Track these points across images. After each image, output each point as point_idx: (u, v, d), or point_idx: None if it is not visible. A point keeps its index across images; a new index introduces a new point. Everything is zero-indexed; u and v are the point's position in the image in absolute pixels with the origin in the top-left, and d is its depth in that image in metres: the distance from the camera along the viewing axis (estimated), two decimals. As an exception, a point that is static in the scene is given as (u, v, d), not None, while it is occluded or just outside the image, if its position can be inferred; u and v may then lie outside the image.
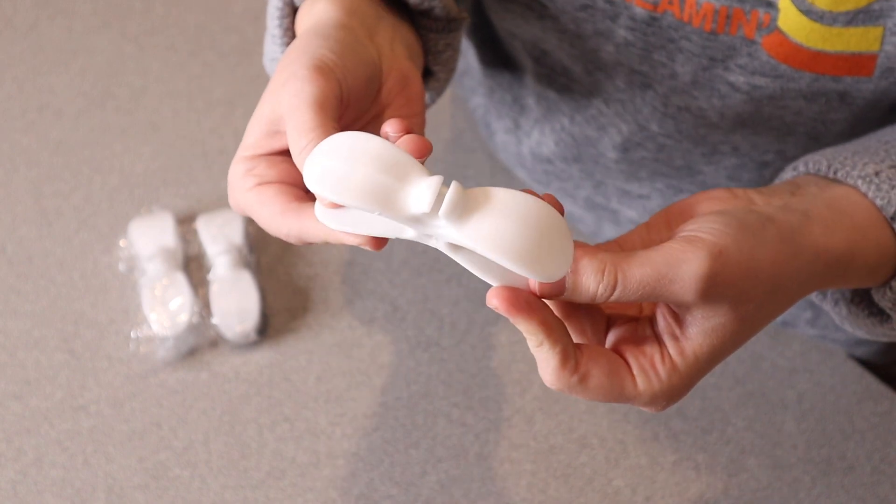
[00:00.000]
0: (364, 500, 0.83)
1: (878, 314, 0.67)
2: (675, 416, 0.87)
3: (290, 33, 0.69)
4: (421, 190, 0.52)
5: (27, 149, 1.04)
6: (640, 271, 0.55)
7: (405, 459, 0.84)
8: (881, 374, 0.92)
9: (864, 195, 0.64)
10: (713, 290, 0.55)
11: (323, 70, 0.60)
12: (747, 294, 0.57)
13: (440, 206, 0.51)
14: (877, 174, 0.65)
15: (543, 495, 0.83)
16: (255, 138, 0.63)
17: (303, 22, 0.67)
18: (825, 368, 0.90)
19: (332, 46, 0.62)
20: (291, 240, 0.60)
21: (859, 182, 0.65)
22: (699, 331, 0.57)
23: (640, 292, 0.55)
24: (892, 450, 0.85)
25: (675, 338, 0.57)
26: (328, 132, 0.57)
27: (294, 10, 0.69)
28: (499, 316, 0.91)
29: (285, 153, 0.62)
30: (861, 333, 0.69)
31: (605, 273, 0.55)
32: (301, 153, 0.58)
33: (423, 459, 0.84)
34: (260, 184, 0.62)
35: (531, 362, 0.89)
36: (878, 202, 0.64)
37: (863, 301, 0.67)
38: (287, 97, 0.60)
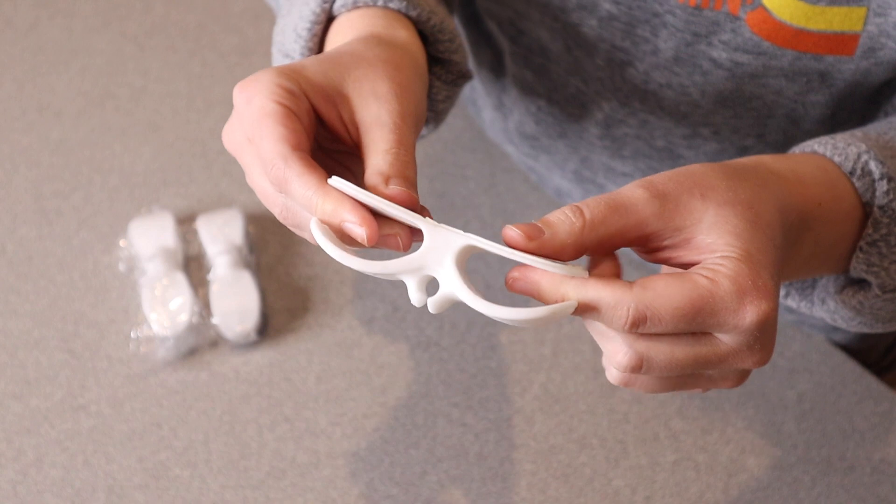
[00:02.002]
0: (364, 500, 0.83)
1: (864, 289, 0.67)
2: (675, 416, 0.87)
3: (317, 39, 0.69)
4: (411, 289, 0.57)
5: (27, 149, 1.04)
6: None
7: (405, 459, 0.84)
8: (861, 359, 0.92)
9: (823, 155, 0.66)
10: (654, 185, 0.56)
11: (408, 90, 0.61)
12: (699, 182, 0.57)
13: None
14: (832, 137, 0.66)
15: (543, 495, 0.83)
16: (316, 76, 0.60)
17: (356, 29, 0.67)
18: (825, 368, 0.90)
19: (421, 90, 0.63)
20: (273, 176, 0.57)
21: (815, 146, 0.66)
22: (698, 231, 0.56)
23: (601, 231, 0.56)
24: (892, 450, 0.85)
25: (693, 248, 0.57)
26: (410, 148, 0.59)
27: (329, 19, 0.69)
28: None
29: (321, 119, 0.60)
30: (854, 326, 0.69)
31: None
32: (391, 153, 0.58)
33: (423, 459, 0.84)
34: (289, 111, 0.59)
35: (531, 362, 0.89)
36: (836, 159, 0.65)
37: (846, 286, 0.67)
38: (378, 103, 0.60)
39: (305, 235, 0.62)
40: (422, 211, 0.58)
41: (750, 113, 0.80)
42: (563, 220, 0.56)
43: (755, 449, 0.85)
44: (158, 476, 0.83)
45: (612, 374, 0.57)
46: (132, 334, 0.89)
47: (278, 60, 0.72)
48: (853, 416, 0.87)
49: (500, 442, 0.85)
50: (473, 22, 0.92)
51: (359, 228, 0.56)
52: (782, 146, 0.83)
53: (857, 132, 0.68)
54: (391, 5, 0.68)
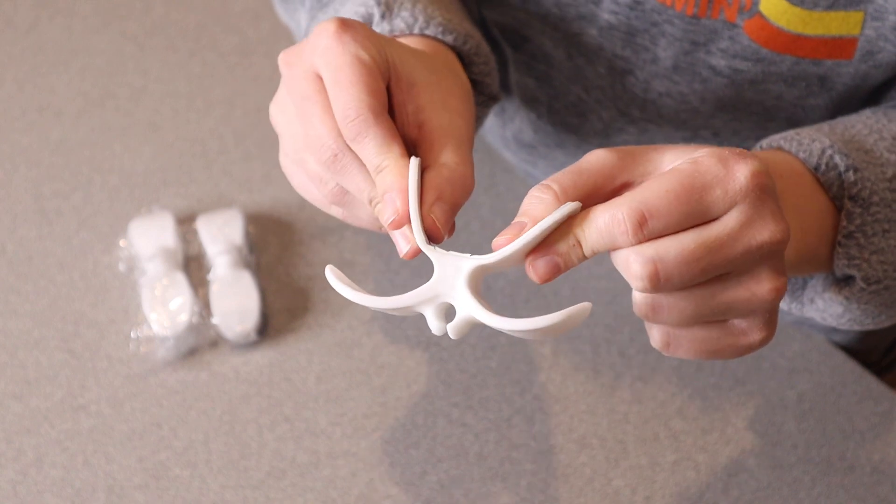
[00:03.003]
0: (364, 500, 0.83)
1: (850, 284, 0.67)
2: (675, 416, 0.87)
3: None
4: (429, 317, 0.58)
5: (27, 149, 1.04)
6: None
7: (405, 459, 0.84)
8: (861, 359, 0.92)
9: (788, 152, 0.66)
10: (625, 153, 0.57)
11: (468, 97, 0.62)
12: (662, 146, 0.57)
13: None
14: (797, 133, 0.66)
15: (543, 495, 0.83)
16: (412, 61, 0.60)
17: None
18: (825, 368, 0.90)
19: (470, 100, 0.64)
20: (353, 126, 0.57)
21: (781, 142, 0.66)
22: (663, 164, 0.57)
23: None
24: (892, 450, 0.85)
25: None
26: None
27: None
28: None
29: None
30: (844, 323, 0.69)
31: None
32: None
33: (423, 459, 0.84)
34: (381, 73, 0.58)
35: (531, 362, 0.89)
36: (801, 155, 0.65)
37: (832, 284, 0.67)
38: (451, 116, 0.61)
39: (335, 212, 0.62)
40: (436, 233, 0.59)
41: (750, 117, 0.81)
42: (535, 202, 0.56)
43: (755, 449, 0.85)
44: (158, 476, 0.83)
45: (636, 301, 0.56)
46: (132, 334, 0.89)
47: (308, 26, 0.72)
48: (853, 416, 0.87)
49: (500, 442, 0.85)
50: (479, 27, 0.92)
51: (391, 210, 0.57)
52: None
53: (824, 126, 0.68)
54: (427, 32, 0.67)
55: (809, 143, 0.66)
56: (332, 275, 0.59)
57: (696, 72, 0.77)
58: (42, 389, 0.87)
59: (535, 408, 0.87)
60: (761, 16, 0.72)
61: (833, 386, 0.89)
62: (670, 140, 0.84)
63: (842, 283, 0.67)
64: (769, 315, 0.57)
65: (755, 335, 0.57)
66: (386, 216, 0.57)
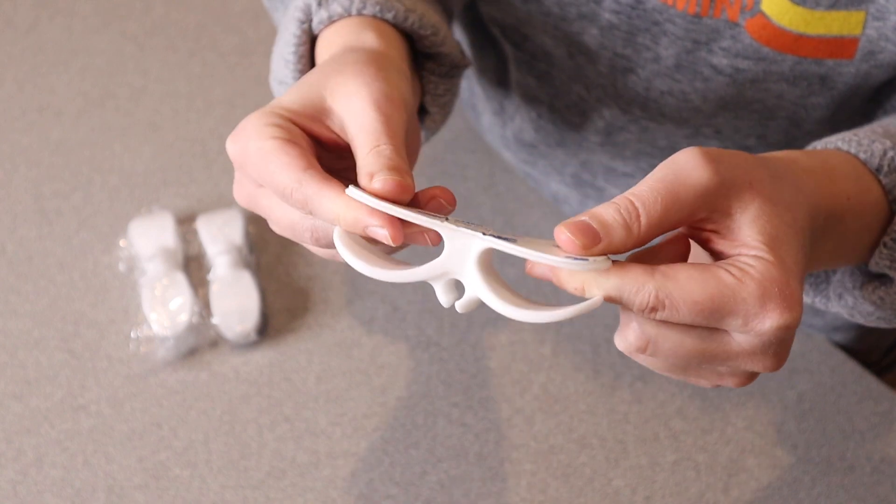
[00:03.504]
0: (364, 500, 0.83)
1: (885, 284, 0.66)
2: (675, 416, 0.87)
3: (305, 60, 0.69)
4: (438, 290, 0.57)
5: (27, 149, 1.04)
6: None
7: (405, 459, 0.84)
8: (861, 359, 0.92)
9: (847, 152, 0.65)
10: (720, 166, 0.55)
11: (393, 97, 0.60)
12: (750, 171, 0.55)
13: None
14: (855, 134, 0.66)
15: (543, 495, 0.83)
16: (294, 104, 0.60)
17: (334, 45, 0.67)
18: (825, 368, 0.90)
19: (396, 76, 0.63)
20: (295, 201, 0.57)
21: (839, 143, 0.65)
22: (741, 221, 0.55)
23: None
24: (892, 450, 0.85)
25: (731, 239, 0.55)
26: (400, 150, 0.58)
27: (312, 39, 0.69)
28: (499, 316, 0.91)
29: (317, 140, 0.60)
30: (873, 321, 0.68)
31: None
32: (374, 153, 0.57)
33: (423, 459, 0.84)
34: (286, 140, 0.58)
35: (531, 362, 0.89)
36: (862, 156, 0.64)
37: (866, 282, 0.67)
38: (352, 102, 0.59)
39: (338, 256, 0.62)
40: (442, 209, 0.58)
41: (751, 116, 0.81)
42: (618, 226, 0.54)
43: (755, 449, 0.85)
44: (158, 476, 0.83)
45: (619, 343, 0.56)
46: (132, 334, 0.89)
47: (276, 89, 0.72)
48: (853, 416, 0.87)
49: (500, 442, 0.85)
50: (477, 27, 0.92)
51: (382, 230, 0.55)
52: (784, 146, 0.83)
53: (877, 128, 0.68)
54: (365, 12, 0.67)
55: (869, 143, 0.65)
56: (341, 244, 0.57)
57: (698, 71, 0.77)
58: (42, 389, 0.88)
59: (535, 408, 0.87)
60: (763, 15, 0.72)
61: (833, 386, 0.89)
62: (671, 138, 0.84)
63: (876, 282, 0.67)
64: (753, 376, 0.58)
65: (731, 381, 0.58)
66: (384, 237, 0.56)
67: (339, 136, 0.61)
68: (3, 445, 0.85)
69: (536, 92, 0.88)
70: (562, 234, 0.54)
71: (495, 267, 0.57)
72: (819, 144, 0.67)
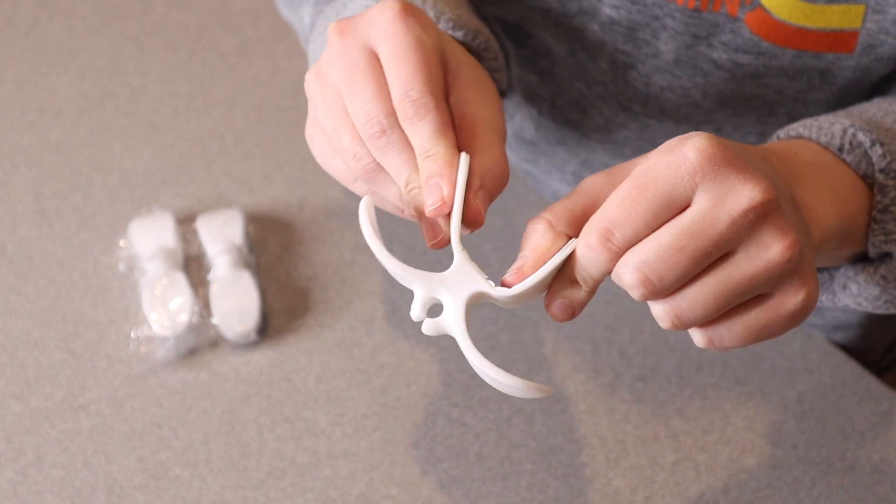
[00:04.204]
0: (364, 500, 0.83)
1: (886, 262, 0.65)
2: (675, 416, 0.87)
3: None
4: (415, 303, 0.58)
5: (27, 149, 1.04)
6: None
7: (405, 459, 0.84)
8: (861, 359, 0.92)
9: (808, 139, 0.65)
10: (612, 170, 0.57)
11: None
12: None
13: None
14: (815, 119, 0.65)
15: (543, 495, 0.83)
16: (448, 46, 0.61)
17: None
18: (825, 368, 0.89)
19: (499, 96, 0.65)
20: (412, 102, 0.57)
21: (800, 129, 0.65)
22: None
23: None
24: (892, 450, 0.85)
25: None
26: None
27: None
28: (499, 316, 0.91)
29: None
30: (881, 306, 0.67)
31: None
32: None
33: (423, 459, 0.84)
34: (428, 49, 0.58)
35: (531, 362, 0.89)
36: (823, 139, 0.64)
37: (867, 265, 0.66)
38: (491, 111, 0.61)
39: (359, 188, 0.62)
40: (481, 217, 0.59)
41: (751, 112, 0.81)
42: (532, 233, 0.57)
43: (755, 449, 0.85)
44: (158, 476, 0.83)
45: (658, 317, 0.55)
46: (132, 334, 0.89)
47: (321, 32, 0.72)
48: (853, 416, 0.87)
49: (500, 442, 0.85)
50: None
51: (436, 197, 0.56)
52: None
53: (840, 112, 0.68)
54: (438, 27, 0.67)
55: (829, 126, 0.64)
56: (365, 213, 0.58)
57: (698, 66, 0.77)
58: (42, 389, 0.87)
59: (535, 408, 0.87)
60: (763, 9, 0.72)
61: (833, 386, 0.89)
62: (671, 135, 0.84)
63: (878, 262, 0.66)
64: (797, 275, 0.55)
65: (793, 299, 0.55)
66: (430, 202, 0.56)
67: (449, 104, 0.61)
68: (3, 445, 0.85)
69: (537, 89, 0.88)
70: (506, 281, 0.57)
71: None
72: (781, 133, 0.67)
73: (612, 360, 0.89)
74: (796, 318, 0.56)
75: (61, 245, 0.96)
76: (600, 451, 0.85)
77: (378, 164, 0.59)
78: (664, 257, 0.53)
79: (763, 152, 0.60)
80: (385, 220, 0.64)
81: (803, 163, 0.62)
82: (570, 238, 0.57)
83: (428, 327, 0.58)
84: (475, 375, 0.89)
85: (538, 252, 0.56)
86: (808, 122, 0.66)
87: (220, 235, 0.93)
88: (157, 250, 0.92)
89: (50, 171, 1.02)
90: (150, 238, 0.93)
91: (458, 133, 0.60)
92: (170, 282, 0.90)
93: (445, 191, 0.56)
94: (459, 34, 0.67)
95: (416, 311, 0.58)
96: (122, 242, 0.95)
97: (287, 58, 1.13)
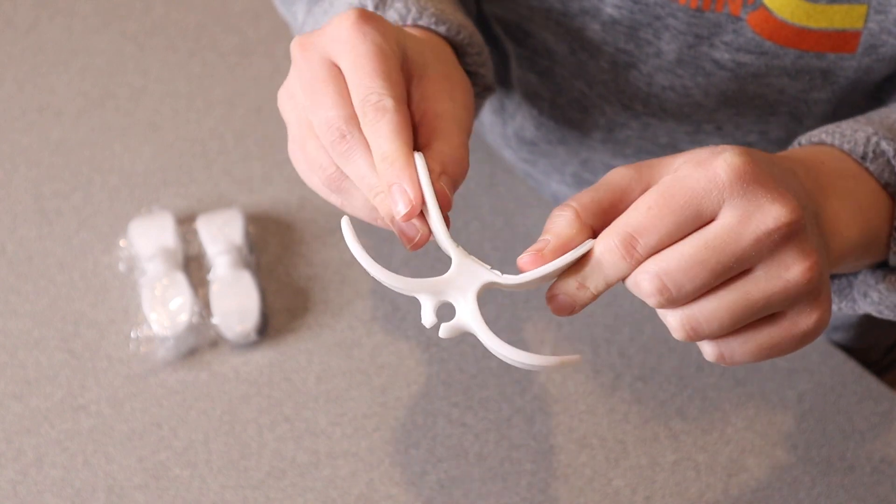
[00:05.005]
0: (364, 500, 0.83)
1: None
2: (675, 416, 0.87)
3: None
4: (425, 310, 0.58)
5: (27, 149, 1.04)
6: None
7: (405, 459, 0.84)
8: (861, 359, 0.92)
9: (832, 146, 0.65)
10: (642, 165, 0.57)
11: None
12: (676, 158, 0.57)
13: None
14: (837, 126, 0.65)
15: (543, 495, 0.83)
16: (410, 45, 0.60)
17: None
18: (825, 368, 0.89)
19: (471, 92, 0.65)
20: (371, 104, 0.57)
21: (823, 136, 0.65)
22: (665, 170, 0.57)
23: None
24: (892, 450, 0.85)
25: None
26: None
27: None
28: (499, 315, 0.91)
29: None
30: None
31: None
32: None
33: (423, 459, 0.84)
34: (386, 54, 0.58)
35: (531, 362, 0.89)
36: (846, 147, 0.64)
37: (888, 273, 0.66)
38: (455, 106, 0.61)
39: (334, 200, 0.61)
40: (447, 200, 0.59)
41: (753, 111, 0.81)
42: (558, 220, 0.56)
43: (755, 449, 0.85)
44: (158, 476, 0.83)
45: (673, 327, 0.55)
46: (132, 334, 0.89)
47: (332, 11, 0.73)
48: (853, 416, 0.87)
49: (500, 442, 0.85)
50: (479, 26, 0.92)
51: (404, 201, 0.56)
52: (785, 143, 0.83)
53: (861, 118, 0.67)
54: (421, 22, 0.67)
55: (852, 133, 0.64)
56: (349, 231, 0.57)
57: (700, 65, 0.77)
58: (42, 389, 0.88)
59: (535, 408, 0.87)
60: (765, 8, 0.72)
61: (833, 386, 0.89)
62: (673, 135, 0.84)
63: None
64: (813, 296, 0.55)
65: (807, 320, 0.56)
66: (400, 207, 0.56)
67: (411, 102, 0.61)
68: (3, 445, 0.85)
69: (538, 89, 0.88)
70: (521, 261, 0.56)
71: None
72: (803, 139, 0.67)
73: (612, 360, 0.89)
74: (807, 339, 0.56)
75: (61, 245, 0.96)
76: (600, 451, 0.85)
77: (342, 172, 0.59)
78: (685, 268, 0.53)
79: (791, 164, 0.59)
80: (378, 231, 0.64)
81: (829, 172, 0.62)
82: (591, 232, 0.56)
83: (445, 331, 0.57)
84: (475, 375, 0.89)
85: (561, 239, 0.55)
86: (830, 128, 0.66)
87: (220, 235, 0.93)
88: (157, 250, 0.92)
89: (50, 171, 1.02)
90: (150, 238, 0.93)
91: (420, 129, 0.60)
92: (170, 282, 0.90)
93: (411, 193, 0.56)
94: (442, 29, 0.67)
95: (427, 318, 0.57)
96: (122, 242, 0.95)
97: (287, 58, 1.12)
